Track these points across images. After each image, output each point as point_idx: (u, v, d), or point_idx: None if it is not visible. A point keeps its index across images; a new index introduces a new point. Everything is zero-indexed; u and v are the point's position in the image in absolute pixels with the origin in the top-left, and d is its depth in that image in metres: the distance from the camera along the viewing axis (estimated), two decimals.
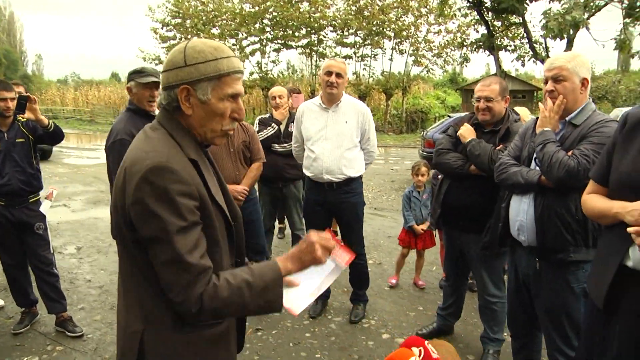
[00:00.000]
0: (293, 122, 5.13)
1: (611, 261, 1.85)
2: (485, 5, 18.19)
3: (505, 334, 3.63)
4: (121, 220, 1.44)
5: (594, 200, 2.00)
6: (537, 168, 2.65)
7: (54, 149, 16.33)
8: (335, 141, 4.04)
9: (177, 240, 1.35)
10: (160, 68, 1.67)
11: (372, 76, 31.75)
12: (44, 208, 4.06)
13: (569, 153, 2.49)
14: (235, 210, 1.65)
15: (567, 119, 2.64)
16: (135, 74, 3.31)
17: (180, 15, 32.22)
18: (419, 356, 1.63)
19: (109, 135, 3.27)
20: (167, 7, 32.67)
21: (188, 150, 1.49)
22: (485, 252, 3.26)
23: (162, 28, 33.56)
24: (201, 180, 1.48)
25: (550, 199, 2.58)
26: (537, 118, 2.78)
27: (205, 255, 1.42)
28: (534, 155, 2.69)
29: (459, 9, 22.30)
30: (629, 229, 1.64)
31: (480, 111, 3.36)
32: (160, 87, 1.54)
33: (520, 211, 2.73)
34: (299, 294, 1.68)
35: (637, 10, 15.53)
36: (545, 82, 2.66)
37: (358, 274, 4.42)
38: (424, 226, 5.04)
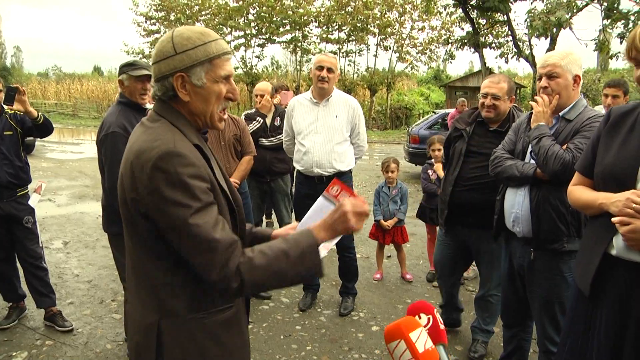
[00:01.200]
0: (279, 116, 5.18)
1: (596, 250, 1.92)
2: (471, 3, 18.33)
3: (496, 328, 3.72)
4: (134, 212, 1.44)
5: (579, 192, 2.06)
6: (532, 161, 2.71)
7: (37, 143, 16.10)
8: (325, 135, 4.08)
9: (198, 221, 1.37)
10: (148, 62, 1.67)
11: (356, 72, 31.83)
12: (33, 201, 4.03)
13: (564, 147, 2.56)
14: (237, 196, 1.67)
15: (560, 114, 2.71)
16: (127, 67, 3.29)
17: (164, 8, 31.93)
18: (426, 326, 1.47)
19: (100, 128, 3.25)
20: (151, 2, 32.38)
21: (191, 137, 1.51)
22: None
23: (145, 22, 33.28)
24: (206, 161, 1.50)
25: (545, 191, 2.65)
26: (530, 113, 2.85)
27: (228, 230, 1.44)
28: (529, 149, 2.75)
29: (445, 7, 22.44)
30: (614, 219, 1.72)
31: (486, 108, 3.35)
32: (153, 79, 1.55)
33: (516, 203, 2.79)
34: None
35: (615, 12, 15.83)
36: (539, 79, 2.74)
37: (347, 267, 4.46)
38: (391, 222, 5.10)
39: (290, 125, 4.29)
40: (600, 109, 9.14)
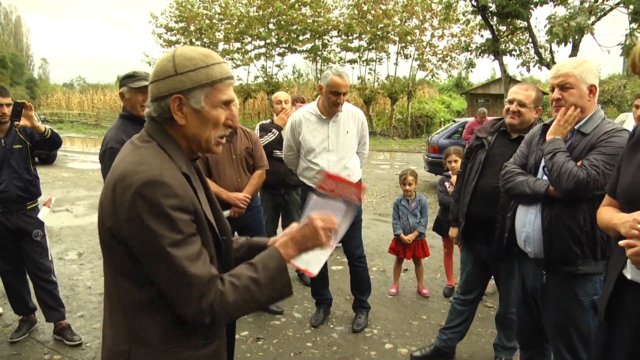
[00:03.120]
0: None
1: (612, 273, 1.85)
2: (490, 9, 18.11)
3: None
4: (111, 235, 1.38)
5: (603, 213, 1.98)
6: (545, 177, 2.56)
7: (59, 152, 16.35)
8: (338, 154, 4.01)
9: (176, 254, 1.31)
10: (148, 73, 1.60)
11: (377, 80, 31.72)
12: (42, 215, 4.01)
13: (578, 163, 2.41)
14: (225, 224, 1.61)
15: (575, 127, 2.55)
16: (127, 79, 3.24)
17: (184, 19, 32.30)
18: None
19: (102, 143, 3.22)
20: (170, 12, 32.79)
21: (180, 164, 1.44)
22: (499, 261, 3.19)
23: (166, 33, 33.68)
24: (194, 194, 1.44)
25: (557, 210, 2.49)
26: (544, 125, 2.71)
27: (208, 264, 1.39)
28: (542, 164, 2.61)
29: (464, 14, 22.25)
30: (620, 242, 1.64)
31: (510, 113, 3.21)
32: (149, 98, 1.48)
33: (527, 222, 2.64)
34: (314, 252, 1.61)
35: None
36: (552, 90, 2.58)
37: (359, 279, 4.35)
38: (412, 236, 4.97)
39: (295, 140, 4.11)
40: (625, 117, 8.90)
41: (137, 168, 1.34)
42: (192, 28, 32.27)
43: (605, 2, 15.89)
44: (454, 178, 4.78)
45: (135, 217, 1.30)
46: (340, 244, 4.65)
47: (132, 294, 1.41)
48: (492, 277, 3.67)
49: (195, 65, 1.41)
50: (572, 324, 2.57)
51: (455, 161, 4.86)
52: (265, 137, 5.01)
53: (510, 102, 3.21)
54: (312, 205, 1.66)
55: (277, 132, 5.05)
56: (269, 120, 5.34)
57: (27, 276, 4.10)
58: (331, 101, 3.91)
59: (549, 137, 2.57)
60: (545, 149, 2.54)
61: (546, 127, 2.70)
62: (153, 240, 1.30)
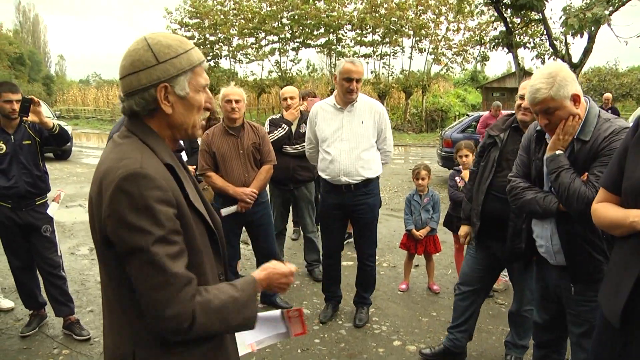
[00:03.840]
0: (305, 122, 5.07)
1: (627, 275, 1.71)
2: (504, 1, 17.85)
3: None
4: (99, 237, 1.35)
5: (605, 210, 1.86)
6: (553, 189, 2.47)
7: (74, 148, 16.50)
8: (351, 142, 3.94)
9: (159, 251, 1.27)
10: None
11: (391, 75, 31.52)
12: (51, 210, 4.03)
13: (584, 177, 2.30)
14: (215, 218, 1.57)
15: (574, 136, 2.41)
16: None
17: (198, 15, 32.34)
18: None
19: (107, 139, 3.22)
20: (184, 9, 32.84)
21: (163, 155, 1.41)
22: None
23: (180, 28, 33.77)
24: (178, 185, 1.40)
25: (575, 224, 2.41)
26: (537, 130, 2.59)
27: (184, 266, 1.34)
28: (545, 177, 2.52)
29: (477, 6, 21.96)
30: None
31: (522, 110, 3.13)
32: (125, 92, 1.42)
33: (543, 236, 2.57)
34: (239, 340, 1.70)
35: None
36: (537, 115, 2.43)
37: (366, 276, 4.31)
38: (424, 231, 4.92)
39: (313, 132, 4.15)
40: None
41: (118, 163, 1.31)
42: (206, 24, 32.28)
43: None
44: (465, 173, 4.71)
45: (115, 212, 1.26)
46: (352, 240, 4.62)
47: (129, 296, 1.36)
48: (506, 274, 3.60)
49: (175, 52, 1.39)
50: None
51: (466, 156, 4.79)
52: (275, 132, 4.98)
53: (522, 97, 3.11)
54: (270, 314, 1.80)
55: (287, 128, 5.02)
56: (279, 115, 5.31)
57: (37, 271, 4.12)
58: (344, 88, 3.87)
59: (549, 152, 2.44)
60: (548, 168, 2.43)
61: (540, 133, 2.58)
62: (133, 236, 1.26)
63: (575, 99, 2.34)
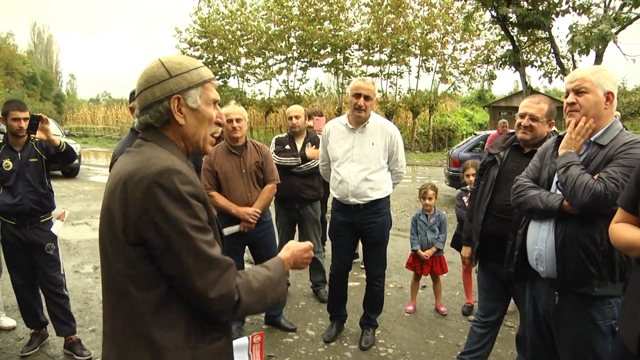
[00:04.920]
0: (310, 141, 5.06)
1: None
2: (510, 20, 17.90)
3: None
4: (120, 243, 1.39)
5: (623, 230, 1.80)
6: (559, 192, 2.42)
7: (82, 166, 16.58)
8: (361, 164, 3.92)
9: (199, 239, 1.37)
10: None
11: (398, 94, 31.60)
12: (56, 228, 4.01)
13: (595, 176, 2.26)
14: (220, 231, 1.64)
15: (591, 138, 2.40)
16: None
17: (207, 35, 32.67)
18: None
19: (112, 156, 3.23)
20: (194, 28, 33.20)
21: (182, 160, 1.50)
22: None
23: (189, 48, 34.10)
24: None
25: (572, 227, 2.33)
26: (558, 136, 2.58)
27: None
28: (555, 179, 2.47)
29: (483, 23, 22.07)
30: None
31: (522, 128, 3.09)
32: (140, 108, 1.52)
33: (539, 239, 2.49)
34: None
35: None
36: (567, 95, 2.44)
37: (373, 297, 4.25)
38: (430, 252, 4.85)
39: (326, 151, 4.16)
40: None
41: (148, 163, 1.38)
42: (214, 43, 32.60)
43: (631, 11, 15.54)
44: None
45: (153, 206, 1.33)
46: (360, 259, 4.56)
47: (147, 298, 1.40)
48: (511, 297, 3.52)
49: (186, 67, 1.51)
50: (589, 350, 2.37)
51: (473, 174, 4.75)
52: (289, 159, 4.96)
53: (522, 116, 3.10)
54: (237, 343, 1.85)
55: (299, 161, 4.98)
56: (285, 135, 5.30)
57: (40, 290, 4.09)
58: (353, 104, 3.86)
59: (561, 151, 2.43)
60: (558, 163, 2.40)
61: (560, 138, 2.55)
62: (175, 226, 1.34)
63: (609, 97, 2.36)
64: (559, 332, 2.50)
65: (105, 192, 1.47)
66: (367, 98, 3.84)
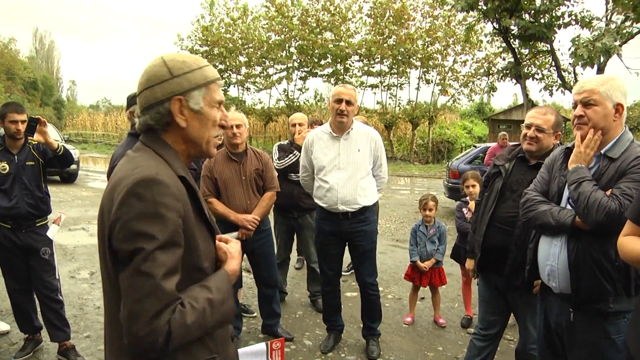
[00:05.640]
0: None
1: None
2: (512, 32, 17.99)
3: None
4: (106, 247, 1.35)
5: (633, 243, 1.76)
6: (569, 207, 2.37)
7: (80, 172, 16.53)
8: (349, 171, 3.90)
9: (157, 258, 1.25)
10: None
11: (398, 105, 31.65)
12: (51, 233, 3.97)
13: (608, 192, 2.20)
14: (217, 229, 1.60)
15: (602, 151, 2.34)
16: (135, 98, 3.21)
17: (208, 43, 32.75)
18: None
19: (110, 161, 3.21)
20: (195, 35, 33.28)
21: (176, 167, 1.43)
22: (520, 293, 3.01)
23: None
24: (191, 194, 1.44)
25: (585, 243, 2.27)
26: (566, 148, 2.53)
27: (174, 285, 1.31)
28: (566, 193, 2.42)
29: (485, 35, 22.18)
30: None
31: (528, 139, 3.03)
32: (140, 108, 1.47)
33: (551, 255, 2.43)
34: None
35: None
36: (575, 107, 2.39)
37: (371, 306, 4.19)
38: (429, 263, 4.80)
39: (309, 161, 4.10)
40: None
41: (133, 171, 1.34)
42: (215, 52, 32.67)
43: (633, 25, 15.62)
44: (472, 204, 4.63)
45: (124, 214, 1.27)
46: (353, 270, 4.52)
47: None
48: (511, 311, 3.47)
49: (189, 67, 1.45)
50: None
51: (473, 186, 4.72)
52: (286, 158, 4.93)
53: (528, 127, 3.04)
54: (254, 348, 1.82)
55: (298, 154, 4.95)
56: (287, 142, 5.27)
57: (34, 294, 4.04)
58: (335, 109, 3.85)
59: (571, 165, 2.36)
60: (569, 179, 2.34)
61: (568, 150, 2.50)
62: (138, 239, 1.25)
63: (618, 109, 2.31)
64: (573, 345, 2.45)
65: (104, 194, 1.44)
66: (348, 103, 3.83)
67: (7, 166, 3.77)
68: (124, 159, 1.48)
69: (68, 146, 9.21)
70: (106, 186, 1.44)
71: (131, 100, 3.24)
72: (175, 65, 1.44)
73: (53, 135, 3.88)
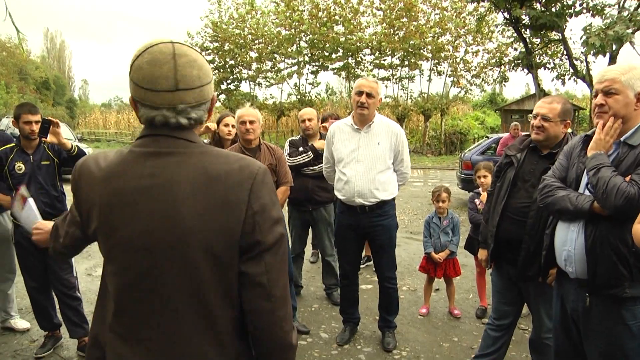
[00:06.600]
0: None
1: None
2: (523, 22, 17.81)
3: None
4: (222, 242, 1.28)
5: None
6: (587, 193, 2.38)
7: None
8: (367, 164, 3.89)
9: (285, 246, 1.38)
10: None
11: (410, 98, 31.51)
12: None
13: (627, 178, 2.21)
14: None
15: (621, 139, 2.35)
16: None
17: (219, 40, 32.79)
18: None
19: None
20: (206, 32, 33.35)
21: None
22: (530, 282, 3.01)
23: (201, 52, 34.13)
24: None
25: (603, 228, 2.29)
26: (585, 135, 2.53)
27: None
28: (584, 180, 2.42)
29: (496, 25, 22.01)
30: None
31: (535, 129, 3.03)
32: (197, 101, 1.35)
33: (568, 240, 2.44)
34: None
35: None
36: (595, 95, 2.40)
37: (388, 299, 4.21)
38: (443, 254, 4.81)
39: (330, 152, 4.13)
40: None
41: (240, 163, 1.33)
42: (226, 48, 32.70)
43: None
44: (483, 195, 4.62)
45: (265, 205, 1.31)
46: (371, 263, 4.52)
47: (232, 315, 1.36)
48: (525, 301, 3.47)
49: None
50: (619, 351, 2.34)
51: (485, 176, 4.70)
52: (298, 157, 4.94)
53: (535, 116, 3.04)
54: None
55: (312, 156, 4.95)
56: (298, 137, 5.28)
57: (53, 292, 4.10)
58: (356, 102, 3.85)
59: (590, 152, 2.38)
60: (588, 165, 2.35)
61: (588, 138, 2.51)
62: (279, 227, 1.34)
63: (639, 97, 2.30)
64: (588, 331, 2.46)
65: (174, 200, 1.29)
66: (369, 95, 3.82)
67: (23, 166, 3.82)
68: (178, 158, 1.32)
69: (82, 145, 9.27)
70: (177, 186, 1.28)
71: None
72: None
73: (66, 134, 3.91)
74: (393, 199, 4.08)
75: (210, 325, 1.32)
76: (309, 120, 5.08)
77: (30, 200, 2.03)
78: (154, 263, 1.30)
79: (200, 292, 1.30)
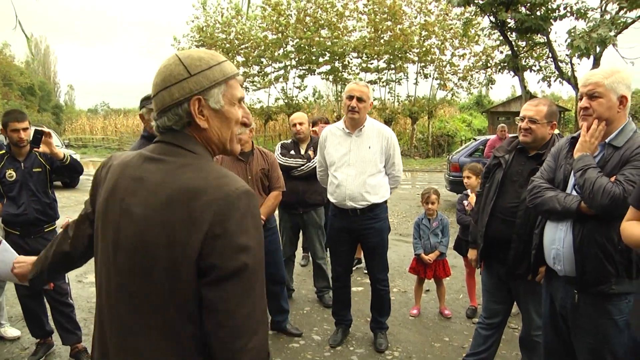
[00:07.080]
0: (313, 146, 5.07)
1: None
2: (509, 25, 18.02)
3: None
4: (181, 258, 1.24)
5: (634, 228, 1.86)
6: (575, 193, 2.46)
7: (82, 177, 16.49)
8: (358, 167, 3.93)
9: (259, 273, 1.28)
10: None
11: (397, 101, 31.65)
12: None
13: (612, 179, 2.30)
14: None
15: (606, 140, 2.44)
16: (146, 100, 3.25)
17: (205, 44, 32.73)
18: None
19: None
20: (192, 37, 33.25)
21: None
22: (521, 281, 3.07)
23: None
24: None
25: (590, 227, 2.38)
26: (572, 137, 2.62)
27: None
28: (571, 181, 2.51)
29: (482, 29, 22.22)
30: None
31: (522, 131, 3.13)
32: (157, 110, 1.38)
33: (557, 239, 2.53)
34: None
35: None
36: (580, 99, 2.49)
37: (380, 300, 4.25)
38: (433, 256, 4.87)
39: (323, 156, 4.18)
40: None
41: (218, 181, 1.27)
42: None
43: (626, 15, 15.67)
44: (472, 197, 4.69)
45: (227, 230, 1.22)
46: (363, 264, 4.56)
47: (190, 330, 1.29)
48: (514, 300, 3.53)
49: (207, 64, 1.35)
50: (606, 346, 2.42)
51: (469, 177, 4.79)
52: (291, 159, 4.98)
53: (522, 119, 3.13)
54: None
55: (307, 162, 4.99)
56: (290, 140, 5.32)
57: (45, 299, 4.09)
58: (346, 106, 3.89)
59: (576, 154, 2.47)
60: (575, 167, 2.44)
61: (574, 139, 2.59)
62: (246, 254, 1.24)
63: (622, 100, 2.40)
64: (577, 327, 2.54)
65: (152, 208, 1.29)
66: (360, 100, 3.86)
67: (14, 174, 3.81)
68: (161, 165, 1.34)
69: (70, 151, 9.20)
70: (163, 199, 1.27)
71: (142, 103, 3.26)
72: (193, 63, 1.34)
73: (54, 141, 3.89)
74: (385, 202, 4.12)
75: (171, 340, 1.29)
76: (300, 124, 5.12)
77: (4, 242, 1.99)
78: (121, 269, 1.33)
79: (161, 305, 1.28)
